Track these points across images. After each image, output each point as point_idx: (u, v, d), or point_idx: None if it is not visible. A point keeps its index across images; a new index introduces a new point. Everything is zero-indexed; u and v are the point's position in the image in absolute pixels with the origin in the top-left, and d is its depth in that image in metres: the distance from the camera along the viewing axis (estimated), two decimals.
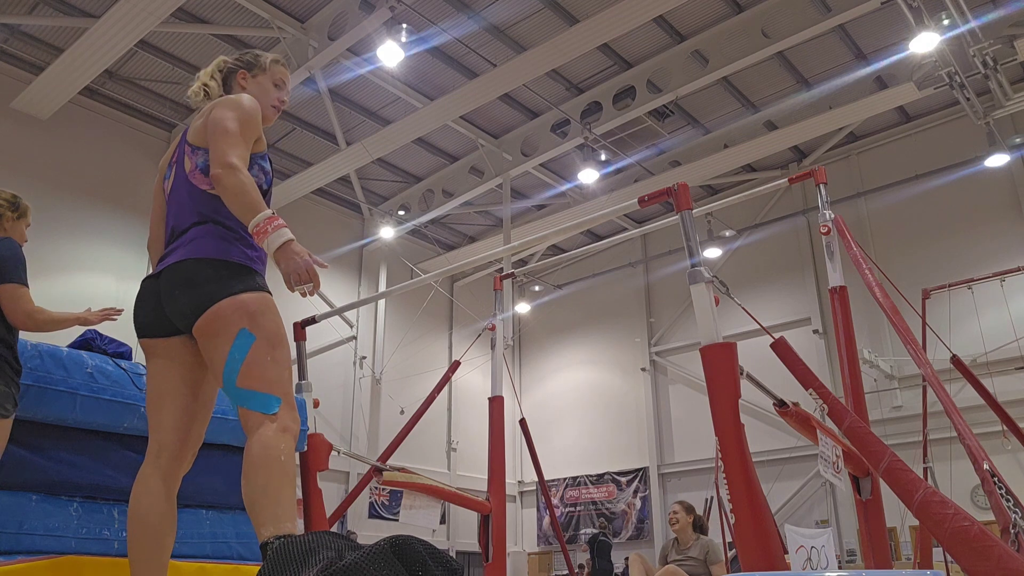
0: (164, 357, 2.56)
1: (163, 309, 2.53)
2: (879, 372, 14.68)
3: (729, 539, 9.74)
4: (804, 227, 16.90)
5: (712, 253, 17.11)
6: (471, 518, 15.88)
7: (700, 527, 5.98)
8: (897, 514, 6.23)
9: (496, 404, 7.01)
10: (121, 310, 3.67)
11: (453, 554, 16.61)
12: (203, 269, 2.47)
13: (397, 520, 15.44)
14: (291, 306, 17.38)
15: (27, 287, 3.27)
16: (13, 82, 12.83)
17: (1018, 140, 14.38)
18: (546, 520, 19.26)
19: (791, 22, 12.55)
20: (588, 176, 15.34)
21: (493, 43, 13.28)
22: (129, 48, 12.01)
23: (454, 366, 7.68)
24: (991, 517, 3.90)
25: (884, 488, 3.89)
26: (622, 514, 18.23)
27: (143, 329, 2.63)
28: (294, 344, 5.97)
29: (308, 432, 4.67)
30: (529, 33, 13.12)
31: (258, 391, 2.32)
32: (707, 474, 14.47)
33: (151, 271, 2.66)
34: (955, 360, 7.69)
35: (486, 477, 6.92)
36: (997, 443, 8.03)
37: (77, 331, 3.73)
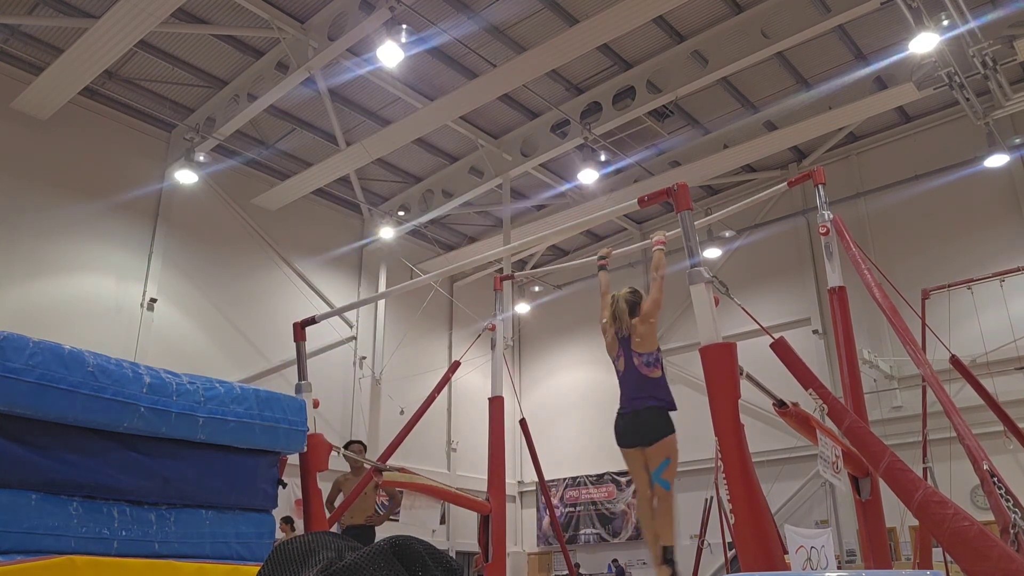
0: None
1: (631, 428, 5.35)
2: (879, 372, 14.68)
3: (729, 539, 9.74)
4: (804, 227, 16.90)
5: (712, 253, 17.10)
6: (471, 518, 15.88)
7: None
8: (897, 514, 6.23)
9: (496, 404, 7.01)
10: None
11: (453, 554, 16.60)
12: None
13: (397, 520, 15.43)
14: (291, 306, 17.37)
15: None
16: (13, 82, 12.83)
17: (1018, 140, 14.36)
18: (546, 520, 19.25)
19: (791, 22, 12.54)
20: (588, 176, 15.34)
21: (493, 43, 13.28)
22: (129, 48, 12.00)
23: (454, 366, 7.69)
24: (991, 517, 3.90)
25: (884, 488, 3.90)
26: (622, 514, 18.23)
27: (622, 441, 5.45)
28: (294, 344, 5.98)
29: (308, 432, 4.67)
30: (529, 33, 13.12)
31: (667, 481, 5.18)
32: (707, 474, 14.42)
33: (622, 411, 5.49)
34: (954, 360, 7.70)
35: (486, 477, 6.93)
36: (997, 443, 8.03)
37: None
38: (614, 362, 5.60)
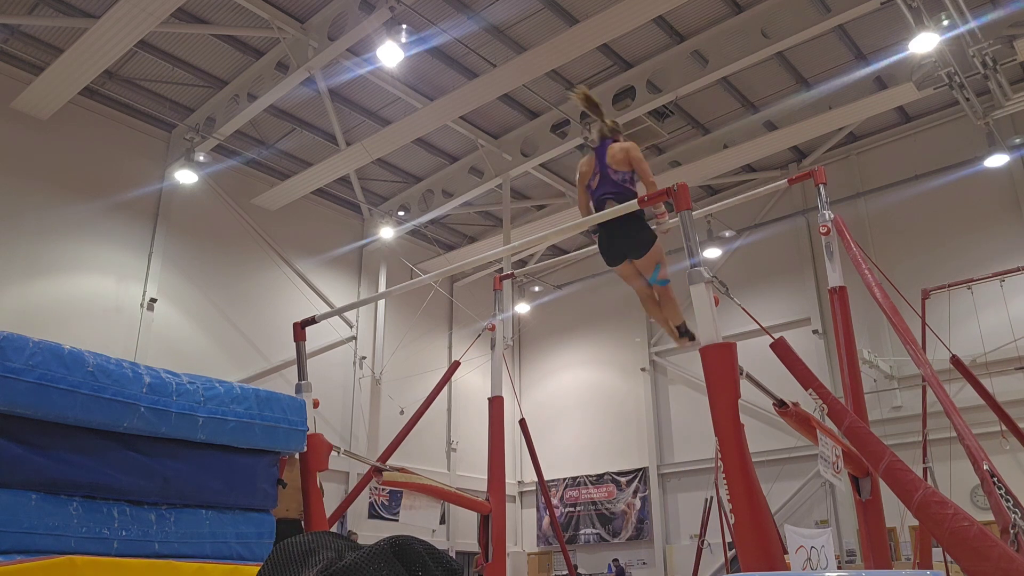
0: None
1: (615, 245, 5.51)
2: (879, 372, 14.68)
3: (729, 539, 9.75)
4: (804, 227, 16.90)
5: (712, 253, 17.10)
6: (471, 518, 15.87)
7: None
8: (897, 514, 6.23)
9: (496, 404, 7.02)
10: None
11: (453, 554, 16.60)
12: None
13: (397, 520, 15.42)
14: (291, 306, 17.34)
15: None
16: (13, 82, 12.82)
17: (1018, 140, 14.37)
18: (546, 520, 19.25)
19: (791, 22, 12.54)
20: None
21: (493, 43, 13.28)
22: (129, 48, 12.00)
23: (454, 366, 7.69)
24: (991, 517, 3.90)
25: (884, 488, 3.90)
26: (621, 514, 18.23)
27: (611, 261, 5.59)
28: (294, 344, 5.98)
29: (308, 432, 4.67)
30: (529, 33, 13.12)
31: (664, 279, 5.49)
32: (707, 474, 14.46)
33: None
34: (955, 360, 7.71)
35: (486, 477, 6.93)
36: (997, 443, 8.03)
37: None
38: (588, 186, 5.73)
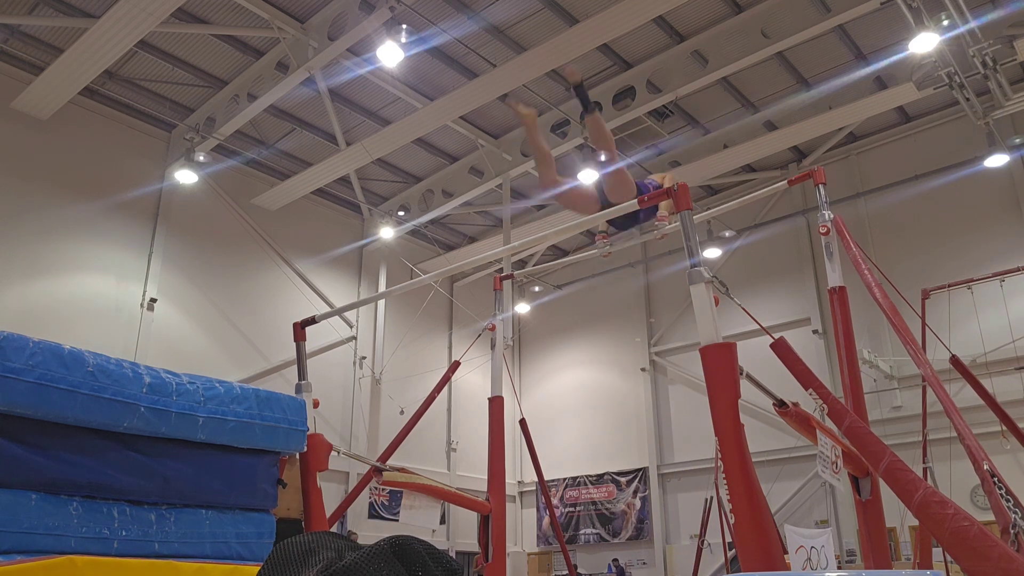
0: None
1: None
2: (879, 372, 14.68)
3: (729, 539, 9.74)
4: (804, 227, 16.90)
5: (712, 253, 17.09)
6: (471, 518, 15.88)
7: None
8: (897, 514, 6.23)
9: (496, 404, 7.02)
10: None
11: (453, 554, 16.59)
12: None
13: (397, 520, 15.42)
14: (291, 306, 17.33)
15: None
16: (13, 82, 12.82)
17: (1018, 140, 14.36)
18: (546, 520, 19.25)
19: (791, 22, 12.54)
20: (588, 176, 15.31)
21: (493, 43, 13.28)
22: (129, 48, 12.00)
23: (454, 366, 7.70)
24: (991, 517, 3.90)
25: (884, 488, 3.90)
26: (621, 514, 18.23)
27: None
28: (294, 344, 5.99)
29: (308, 432, 4.67)
30: (529, 33, 13.12)
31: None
32: (707, 474, 14.46)
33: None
34: (954, 360, 7.70)
35: (486, 477, 6.93)
36: (997, 443, 8.04)
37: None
38: None
